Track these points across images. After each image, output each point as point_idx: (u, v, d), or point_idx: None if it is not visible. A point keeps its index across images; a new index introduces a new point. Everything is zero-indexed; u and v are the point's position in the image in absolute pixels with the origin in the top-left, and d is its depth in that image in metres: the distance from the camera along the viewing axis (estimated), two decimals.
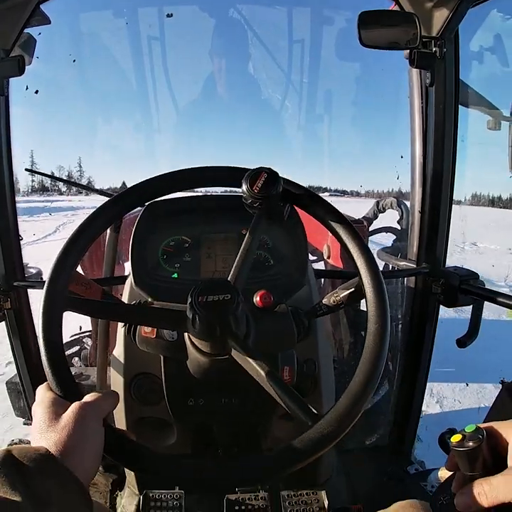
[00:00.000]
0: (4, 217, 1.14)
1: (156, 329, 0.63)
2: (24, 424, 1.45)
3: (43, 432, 0.48)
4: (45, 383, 0.56)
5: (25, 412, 1.38)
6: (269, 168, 0.64)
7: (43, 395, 0.54)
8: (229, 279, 0.60)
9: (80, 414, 0.50)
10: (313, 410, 0.52)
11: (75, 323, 1.88)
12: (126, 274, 1.06)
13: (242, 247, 0.64)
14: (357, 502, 1.07)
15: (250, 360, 0.54)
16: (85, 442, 0.48)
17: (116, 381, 0.86)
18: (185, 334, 0.60)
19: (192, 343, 0.59)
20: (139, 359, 0.80)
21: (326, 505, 1.05)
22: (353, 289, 0.65)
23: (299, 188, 0.67)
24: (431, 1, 1.04)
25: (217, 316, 0.53)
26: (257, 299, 0.66)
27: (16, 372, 1.30)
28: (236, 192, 0.76)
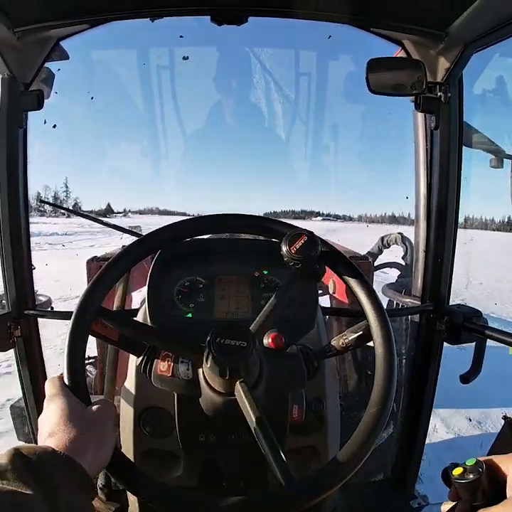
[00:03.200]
0: (18, 245, 1.17)
1: (172, 368, 0.66)
2: None
3: (61, 425, 0.50)
4: (56, 376, 0.58)
5: (29, 438, 1.38)
6: (310, 231, 0.67)
7: (57, 389, 0.55)
8: (251, 327, 0.63)
9: (100, 415, 0.53)
10: (292, 475, 0.54)
11: None
12: (134, 307, 1.07)
13: (271, 300, 0.67)
14: None
15: (249, 409, 0.57)
16: (103, 442, 0.51)
17: (126, 413, 0.87)
18: (200, 373, 0.63)
19: (206, 381, 0.62)
20: (151, 393, 0.82)
21: None
22: (361, 333, 0.68)
23: (336, 252, 0.70)
24: (436, 47, 1.08)
25: (229, 360, 0.56)
26: (268, 340, 0.69)
27: (20, 396, 1.31)
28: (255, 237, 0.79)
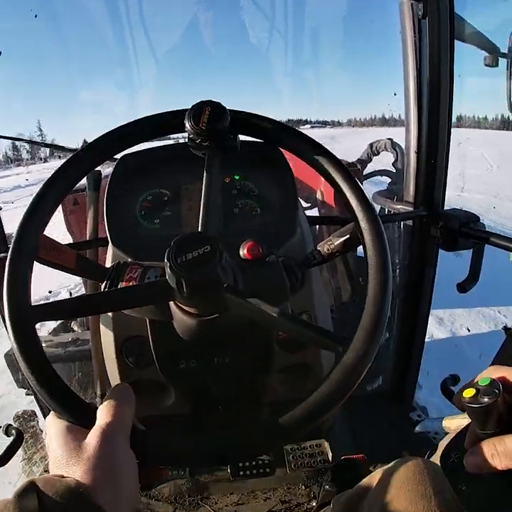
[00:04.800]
0: None
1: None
2: (26, 394, 1.45)
3: (65, 466, 0.41)
4: (51, 413, 0.48)
5: (25, 383, 1.38)
6: (212, 101, 0.57)
7: (54, 425, 0.46)
8: (200, 229, 0.55)
9: (104, 438, 0.42)
10: (340, 335, 0.49)
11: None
12: None
13: (203, 192, 0.58)
14: (360, 451, 1.07)
15: (254, 306, 0.49)
16: (118, 471, 0.41)
17: (108, 346, 0.83)
18: None
19: (176, 304, 0.54)
20: (127, 322, 0.77)
21: (330, 457, 1.05)
22: (348, 236, 0.60)
23: (247, 114, 0.61)
24: None
25: (204, 273, 0.48)
26: (244, 251, 0.60)
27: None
28: None
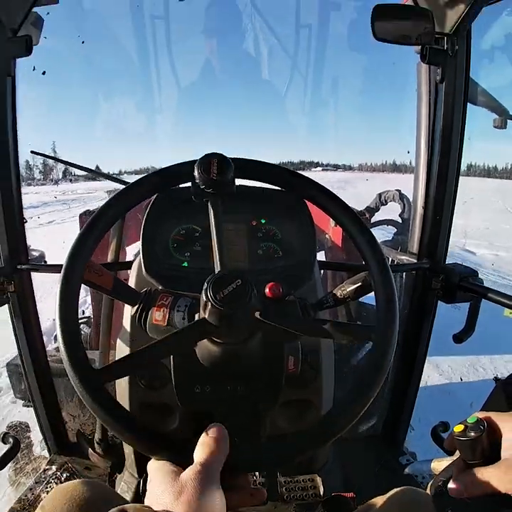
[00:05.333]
0: (9, 199, 1.13)
1: (167, 316, 0.64)
2: (24, 405, 1.46)
3: (164, 505, 0.42)
4: (154, 459, 0.50)
5: (25, 394, 1.40)
6: (217, 153, 0.63)
7: (155, 466, 0.48)
8: (219, 267, 0.60)
9: (202, 480, 0.43)
10: (366, 325, 0.57)
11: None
12: (129, 259, 1.06)
13: (214, 235, 0.64)
14: (350, 490, 1.10)
15: (287, 324, 0.58)
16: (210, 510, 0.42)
17: None
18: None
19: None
20: (144, 342, 0.81)
21: (322, 492, 1.08)
22: (360, 283, 0.67)
23: (246, 161, 0.67)
24: None
25: (242, 305, 0.53)
26: (266, 290, 0.67)
27: (16, 354, 1.31)
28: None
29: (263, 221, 0.90)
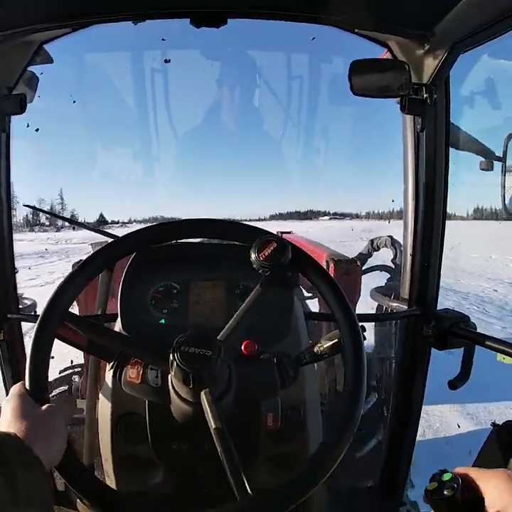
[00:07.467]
0: (1, 249, 1.16)
1: (141, 374, 0.65)
2: None
3: (12, 422, 0.54)
4: (19, 382, 0.61)
5: None
6: (279, 237, 0.66)
7: (15, 391, 0.60)
8: (220, 336, 0.63)
9: (50, 412, 0.57)
10: (247, 488, 0.55)
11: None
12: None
13: (241, 308, 0.66)
14: None
15: (211, 419, 0.57)
16: (52, 435, 0.55)
17: (104, 418, 0.87)
18: (169, 380, 0.63)
19: (174, 389, 0.62)
20: (127, 398, 0.81)
21: None
22: (336, 340, 0.67)
23: (306, 257, 0.69)
24: (422, 48, 1.06)
25: (193, 369, 0.56)
26: (241, 347, 0.68)
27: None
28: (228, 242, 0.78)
29: (240, 278, 0.91)
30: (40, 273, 8.51)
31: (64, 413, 0.60)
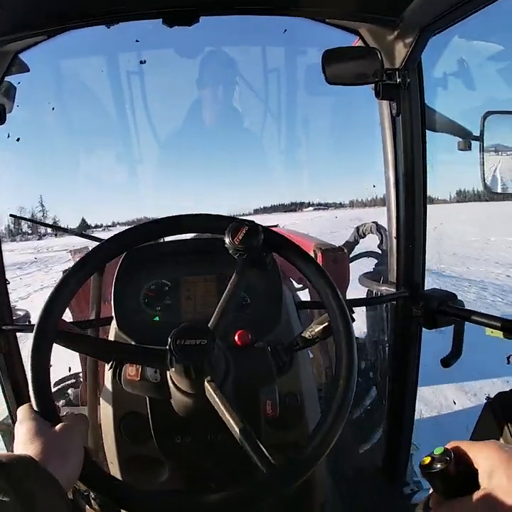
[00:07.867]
0: None
1: (140, 372, 0.67)
2: None
3: (27, 444, 0.53)
4: (26, 404, 0.61)
5: None
6: (251, 221, 0.67)
7: (26, 414, 0.59)
8: (210, 324, 0.64)
9: (65, 431, 0.57)
10: (271, 461, 0.56)
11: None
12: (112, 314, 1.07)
13: (224, 294, 0.68)
14: None
15: (221, 406, 0.58)
16: (67, 453, 0.55)
17: (107, 421, 0.88)
18: (168, 375, 0.64)
19: (174, 383, 0.63)
20: (127, 398, 0.82)
21: None
22: (326, 324, 0.68)
23: (280, 237, 0.70)
24: (392, 34, 1.08)
25: (192, 360, 0.58)
26: (235, 338, 0.70)
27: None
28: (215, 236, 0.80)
29: (229, 270, 0.92)
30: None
31: (78, 430, 0.60)
